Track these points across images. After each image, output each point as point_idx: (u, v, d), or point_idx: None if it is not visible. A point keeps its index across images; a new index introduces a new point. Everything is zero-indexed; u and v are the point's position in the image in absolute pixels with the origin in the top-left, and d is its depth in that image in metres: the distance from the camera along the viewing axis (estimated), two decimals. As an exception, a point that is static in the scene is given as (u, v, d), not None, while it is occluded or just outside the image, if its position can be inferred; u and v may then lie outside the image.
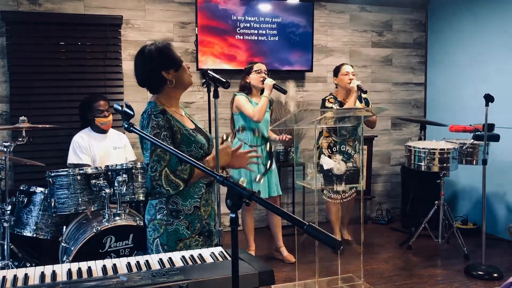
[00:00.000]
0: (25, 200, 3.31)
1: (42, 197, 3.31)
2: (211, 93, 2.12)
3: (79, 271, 1.50)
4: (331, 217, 4.34)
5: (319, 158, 3.64)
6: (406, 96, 5.67)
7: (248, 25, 4.79)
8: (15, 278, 1.44)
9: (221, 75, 2.11)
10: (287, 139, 3.86)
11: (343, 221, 4.51)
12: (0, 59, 4.11)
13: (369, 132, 4.78)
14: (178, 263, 1.58)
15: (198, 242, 1.99)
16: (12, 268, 2.63)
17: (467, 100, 5.01)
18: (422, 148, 4.02)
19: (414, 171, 4.29)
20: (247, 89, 3.85)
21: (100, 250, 2.92)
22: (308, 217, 5.04)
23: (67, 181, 3.10)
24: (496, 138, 4.06)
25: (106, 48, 4.38)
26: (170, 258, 1.62)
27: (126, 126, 1.50)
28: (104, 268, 1.52)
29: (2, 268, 3.02)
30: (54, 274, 1.47)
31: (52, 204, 3.11)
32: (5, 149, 3.14)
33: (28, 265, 3.43)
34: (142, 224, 3.00)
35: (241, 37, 4.78)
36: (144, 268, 1.54)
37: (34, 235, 3.31)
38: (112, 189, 3.12)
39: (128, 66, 4.41)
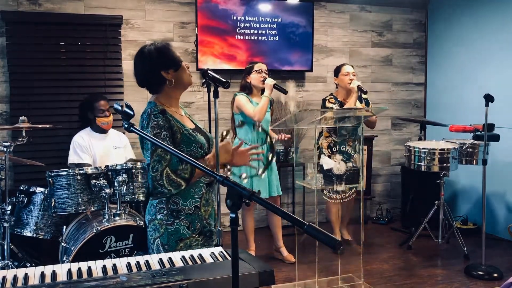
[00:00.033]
0: (25, 200, 3.31)
1: (42, 197, 3.31)
2: (211, 93, 2.11)
3: (79, 271, 1.50)
4: (331, 217, 4.34)
5: (319, 158, 3.64)
6: (406, 96, 5.67)
7: (248, 25, 4.79)
8: (15, 278, 1.44)
9: (221, 75, 2.11)
10: (286, 138, 3.86)
11: (343, 221, 4.51)
12: (0, 59, 4.11)
13: (369, 132, 4.78)
14: (178, 263, 1.58)
15: (199, 242, 1.99)
16: (12, 268, 2.64)
17: (467, 100, 5.01)
18: (422, 148, 4.02)
19: (414, 171, 4.29)
20: (247, 89, 3.85)
21: (100, 250, 2.92)
22: (308, 217, 5.04)
23: (67, 181, 3.10)
24: (496, 138, 4.06)
25: (106, 48, 4.38)
26: (170, 258, 1.62)
27: (126, 126, 1.50)
28: (104, 268, 1.52)
29: (2, 268, 3.02)
30: (54, 274, 1.47)
31: (52, 204, 3.11)
32: (5, 149, 3.14)
33: (28, 265, 3.43)
34: (142, 224, 3.01)
35: (241, 37, 4.78)
36: (144, 268, 1.54)
37: (34, 235, 3.31)
38: (112, 189, 3.12)
39: (128, 66, 4.41)
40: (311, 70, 5.10)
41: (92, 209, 3.18)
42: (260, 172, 2.48)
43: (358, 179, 3.46)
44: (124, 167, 3.19)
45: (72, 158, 3.67)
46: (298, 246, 3.48)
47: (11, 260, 3.15)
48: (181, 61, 2.00)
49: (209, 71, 2.10)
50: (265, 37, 4.86)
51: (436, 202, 4.20)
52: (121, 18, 4.43)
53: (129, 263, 1.56)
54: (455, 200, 5.29)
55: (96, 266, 1.54)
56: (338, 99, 4.19)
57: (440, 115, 5.30)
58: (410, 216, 4.89)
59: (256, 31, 4.82)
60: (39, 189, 3.32)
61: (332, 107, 4.07)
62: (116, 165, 3.20)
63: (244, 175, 2.58)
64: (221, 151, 2.00)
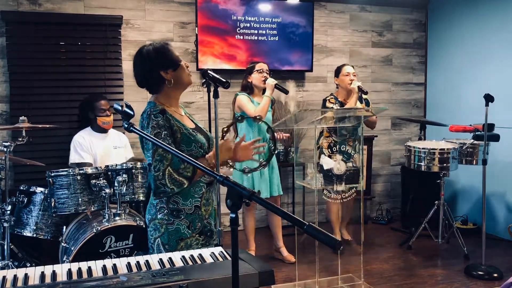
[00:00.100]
0: (25, 200, 3.31)
1: (42, 197, 3.31)
2: (211, 93, 2.12)
3: (79, 271, 1.50)
4: (331, 217, 4.34)
5: (319, 158, 3.64)
6: (406, 96, 5.67)
7: (248, 25, 4.79)
8: (15, 278, 1.44)
9: (221, 75, 2.11)
10: (285, 137, 3.87)
11: (343, 221, 4.51)
12: (0, 59, 4.11)
13: (369, 132, 4.78)
14: (178, 263, 1.58)
15: (199, 242, 1.99)
16: (12, 268, 2.63)
17: (467, 100, 5.01)
18: (422, 148, 4.02)
19: (414, 171, 4.29)
20: (249, 89, 3.85)
21: (100, 250, 2.92)
22: (308, 217, 5.04)
23: (67, 181, 3.10)
24: (496, 138, 4.06)
25: (106, 48, 4.38)
26: (170, 258, 1.62)
27: (126, 126, 1.50)
28: (104, 268, 1.52)
29: (2, 268, 3.02)
30: (54, 274, 1.47)
31: (52, 204, 3.11)
32: (5, 149, 3.14)
33: (28, 265, 3.43)
34: (142, 224, 3.01)
35: (241, 37, 4.78)
36: (144, 268, 1.54)
37: (34, 235, 3.31)
38: (112, 189, 3.12)
39: (128, 66, 4.41)
40: (311, 70, 5.10)
41: (92, 209, 3.18)
42: (264, 162, 2.49)
43: (358, 179, 3.46)
44: (124, 167, 3.19)
45: (74, 158, 3.67)
46: (298, 246, 3.48)
47: (11, 260, 3.15)
48: (180, 60, 2.00)
49: (209, 71, 2.10)
50: (265, 37, 4.86)
51: (436, 202, 4.20)
52: (121, 18, 4.43)
53: (129, 263, 1.56)
54: (455, 200, 5.29)
55: (96, 266, 1.54)
56: (339, 99, 4.19)
57: (440, 115, 5.30)
58: (410, 216, 4.89)
59: (256, 31, 4.82)
60: (39, 189, 3.32)
61: (332, 107, 4.08)
62: (116, 165, 3.20)
63: (246, 169, 2.58)
64: (221, 149, 2.00)
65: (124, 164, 3.22)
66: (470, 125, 4.21)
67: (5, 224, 3.13)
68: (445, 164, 3.98)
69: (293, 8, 4.94)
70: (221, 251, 1.70)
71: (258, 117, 2.84)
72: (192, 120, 2.10)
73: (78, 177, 3.12)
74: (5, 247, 3.12)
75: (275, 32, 4.89)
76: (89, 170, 3.17)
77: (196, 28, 4.60)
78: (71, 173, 3.12)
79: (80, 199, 3.12)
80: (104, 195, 3.10)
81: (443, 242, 4.25)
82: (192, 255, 1.65)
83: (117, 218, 3.05)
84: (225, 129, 2.12)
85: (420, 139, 4.54)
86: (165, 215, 1.95)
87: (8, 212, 3.16)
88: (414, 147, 4.09)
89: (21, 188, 3.36)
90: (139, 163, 3.27)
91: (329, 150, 4.10)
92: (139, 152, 3.84)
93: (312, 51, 5.05)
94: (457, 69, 5.22)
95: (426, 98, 5.72)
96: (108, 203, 3.08)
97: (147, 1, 4.56)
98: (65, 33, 4.26)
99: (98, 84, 4.34)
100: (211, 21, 4.65)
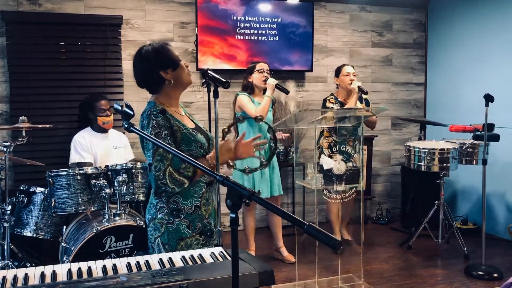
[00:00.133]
0: (25, 200, 3.31)
1: (42, 197, 3.31)
2: (211, 93, 2.12)
3: (79, 271, 1.50)
4: (331, 217, 4.34)
5: (319, 158, 3.64)
6: (406, 96, 5.67)
7: (248, 25, 4.79)
8: (15, 278, 1.44)
9: (221, 75, 2.11)
10: (285, 137, 3.87)
11: (343, 221, 4.51)
12: (0, 59, 4.11)
13: (369, 132, 4.78)
14: (178, 263, 1.58)
15: (199, 241, 1.99)
16: (12, 268, 2.64)
17: (467, 100, 5.01)
18: (422, 148, 4.02)
19: (414, 171, 4.29)
20: (249, 89, 3.85)
21: (100, 250, 2.92)
22: (308, 217, 5.04)
23: (67, 181, 3.10)
24: (496, 138, 4.06)
25: (106, 48, 4.38)
26: (170, 258, 1.62)
27: (126, 126, 1.50)
28: (104, 268, 1.52)
29: (2, 268, 3.02)
30: (54, 274, 1.47)
31: (52, 204, 3.10)
32: (5, 149, 3.14)
33: (28, 265, 3.43)
34: (142, 224, 3.01)
35: (241, 37, 4.78)
36: (144, 268, 1.54)
37: (34, 235, 3.31)
38: (112, 189, 3.12)
39: (128, 66, 4.41)
40: (311, 70, 5.10)
41: (92, 209, 3.18)
42: (265, 162, 2.49)
43: (358, 179, 3.46)
44: (124, 167, 3.18)
45: (74, 157, 3.67)
46: (298, 246, 3.48)
47: (11, 260, 3.15)
48: (180, 60, 2.00)
49: (209, 71, 2.10)
50: (265, 37, 4.86)
51: (436, 202, 4.20)
52: (121, 18, 4.43)
53: (129, 263, 1.56)
54: (455, 200, 5.29)
55: (96, 266, 1.54)
56: (339, 99, 4.19)
57: (440, 115, 5.30)
58: (410, 216, 4.89)
59: (256, 31, 4.82)
60: (39, 189, 3.32)
61: (332, 107, 4.08)
62: (116, 165, 3.20)
63: (247, 169, 2.58)
64: (222, 149, 2.00)
65: (124, 164, 3.22)
66: (470, 125, 4.21)
67: (5, 224, 3.13)
68: (445, 164, 3.98)
69: (293, 8, 4.94)
70: (221, 251, 1.70)
71: (259, 117, 2.84)
72: (192, 120, 2.10)
73: (78, 177, 3.12)
74: (5, 247, 3.12)
75: (275, 32, 4.89)
76: (89, 170, 3.16)
77: (196, 28, 4.60)
78: (71, 173, 3.12)
79: (80, 199, 3.12)
80: (104, 195, 3.10)
81: (443, 242, 4.25)
82: (192, 255, 1.65)
83: (117, 218, 3.05)
84: (226, 129, 2.12)
85: (420, 139, 4.54)
86: (165, 214, 1.95)
87: (8, 212, 3.16)
88: (414, 147, 4.09)
89: (21, 188, 3.36)
90: (139, 163, 3.27)
91: (329, 150, 4.11)
92: (139, 152, 3.84)
93: (312, 51, 5.05)
94: (457, 69, 5.22)
95: (426, 98, 5.72)
96: (108, 203, 3.08)
97: (147, 1, 4.56)
98: (65, 33, 4.26)
99: (98, 84, 4.34)
100: (211, 21, 4.65)
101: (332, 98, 4.20)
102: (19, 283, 1.41)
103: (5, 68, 4.11)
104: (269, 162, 2.67)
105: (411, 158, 4.11)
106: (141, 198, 3.24)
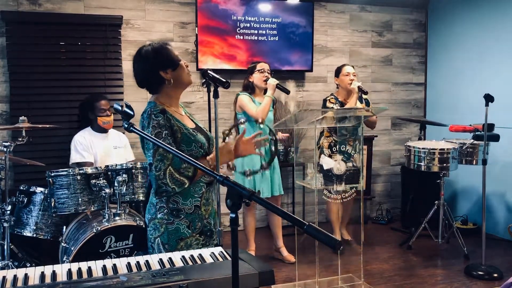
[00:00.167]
0: (25, 200, 3.31)
1: (42, 197, 3.31)
2: (211, 93, 2.12)
3: (79, 271, 1.50)
4: (331, 217, 4.34)
5: (319, 157, 3.64)
6: (406, 96, 5.67)
7: (248, 25, 4.79)
8: (15, 278, 1.44)
9: (221, 75, 2.11)
10: (284, 137, 3.87)
11: (343, 221, 4.51)
12: (0, 59, 4.11)
13: (369, 132, 4.78)
14: (178, 263, 1.58)
15: (199, 241, 1.99)
16: (12, 268, 2.64)
17: (467, 100, 5.01)
18: (422, 148, 4.02)
19: (414, 171, 4.29)
20: (250, 89, 3.85)
21: (100, 250, 2.92)
22: (308, 217, 5.04)
23: (67, 181, 3.10)
24: (496, 138, 4.05)
25: (106, 48, 4.38)
26: (170, 258, 1.62)
27: (126, 126, 1.50)
28: (104, 268, 1.52)
29: (2, 268, 3.02)
30: (54, 274, 1.47)
31: (52, 204, 3.11)
32: (5, 149, 3.14)
33: (28, 265, 3.43)
34: (142, 224, 3.01)
35: (241, 37, 4.77)
36: (144, 268, 1.54)
37: (34, 235, 3.31)
38: (112, 189, 3.12)
39: (128, 66, 4.41)
40: (311, 70, 5.10)
41: (92, 209, 3.18)
42: (265, 166, 2.49)
43: (358, 179, 3.46)
44: (124, 167, 3.19)
45: (75, 157, 3.67)
46: (298, 246, 3.48)
47: (11, 260, 3.15)
48: (179, 60, 2.00)
49: (209, 71, 2.10)
50: (265, 37, 4.86)
51: (436, 202, 4.20)
52: (121, 18, 4.43)
53: (129, 263, 1.56)
54: (455, 200, 5.29)
55: (96, 266, 1.54)
56: (339, 99, 4.19)
57: (440, 115, 5.30)
58: (410, 216, 4.89)
59: (256, 31, 4.82)
60: (39, 189, 3.32)
61: (332, 107, 4.08)
62: (116, 165, 3.20)
63: (248, 171, 2.58)
64: (222, 151, 2.00)
65: (124, 164, 3.22)
66: (470, 125, 4.21)
67: (5, 224, 3.13)
68: (445, 164, 3.98)
69: (293, 8, 4.94)
70: (221, 251, 1.70)
71: (259, 122, 2.85)
72: (192, 120, 2.10)
73: (78, 177, 3.12)
74: (5, 247, 3.12)
75: (275, 32, 4.89)
76: (89, 170, 3.17)
77: (196, 28, 4.60)
78: (71, 173, 3.12)
79: (80, 199, 3.12)
80: (104, 195, 3.10)
81: (443, 242, 4.25)
82: (192, 255, 1.65)
83: (117, 218, 3.05)
84: (227, 131, 2.12)
85: (420, 139, 4.54)
86: (165, 214, 1.95)
87: (8, 212, 3.16)
88: (414, 147, 4.09)
89: (21, 188, 3.36)
90: (139, 163, 3.27)
91: (329, 150, 4.11)
92: (139, 152, 3.84)
93: (312, 51, 5.05)
94: (457, 69, 5.22)
95: (426, 98, 5.72)
96: (108, 203, 3.08)
97: (147, 1, 4.56)
98: (65, 33, 4.26)
99: (98, 84, 4.34)
100: (211, 21, 4.65)
101: (332, 98, 4.20)
102: (19, 283, 1.41)
103: (5, 68, 4.11)
104: (270, 164, 2.67)
105: (411, 158, 4.11)
106: (141, 198, 3.24)
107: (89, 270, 1.50)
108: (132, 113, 1.52)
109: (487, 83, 4.74)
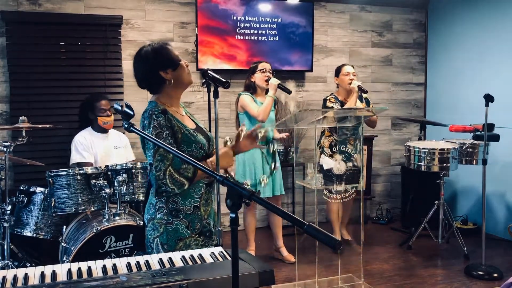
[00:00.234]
0: (25, 200, 3.31)
1: (42, 197, 3.31)
2: (211, 93, 2.12)
3: (79, 271, 1.50)
4: (331, 217, 4.34)
5: (320, 157, 3.64)
6: (406, 96, 5.67)
7: (248, 25, 4.79)
8: (15, 278, 1.44)
9: (221, 75, 2.11)
10: (284, 137, 3.88)
11: (343, 221, 4.51)
12: (0, 59, 4.11)
13: (369, 132, 4.78)
14: (178, 263, 1.58)
15: (198, 242, 1.99)
16: (12, 268, 2.63)
17: (467, 100, 5.01)
18: (422, 148, 4.02)
19: (414, 171, 4.29)
20: (251, 89, 3.85)
21: (100, 250, 2.92)
22: (308, 217, 5.04)
23: (67, 181, 3.10)
24: (496, 138, 4.05)
25: (106, 48, 4.38)
26: (170, 258, 1.62)
27: (126, 126, 1.50)
28: (104, 268, 1.52)
29: (2, 268, 3.02)
30: (54, 274, 1.47)
31: (52, 204, 3.11)
32: (5, 149, 3.14)
33: (28, 265, 3.43)
34: (142, 224, 3.00)
35: (241, 37, 4.77)
36: (144, 268, 1.54)
37: (34, 235, 3.31)
38: (112, 189, 3.12)
39: (128, 66, 4.41)
40: (311, 70, 5.10)
41: (92, 209, 3.18)
42: (264, 180, 2.49)
43: (358, 179, 3.46)
44: (124, 167, 3.19)
45: (75, 158, 3.67)
46: (298, 246, 3.48)
47: (11, 260, 3.15)
48: (180, 60, 2.00)
49: (209, 71, 2.10)
50: (265, 37, 4.86)
51: (436, 202, 4.20)
52: (121, 18, 4.43)
53: (129, 263, 1.56)
54: (455, 200, 5.29)
55: (96, 266, 1.54)
56: (339, 99, 4.19)
57: (440, 115, 5.30)
58: (410, 216, 4.88)
59: (256, 31, 4.82)
60: (39, 189, 3.33)
61: (332, 107, 4.08)
62: (116, 165, 3.20)
63: (248, 182, 2.59)
64: (223, 157, 2.01)
65: (124, 164, 3.22)
66: (470, 125, 4.21)
67: (5, 224, 3.13)
68: (445, 164, 3.98)
69: (293, 8, 4.94)
70: (221, 251, 1.70)
71: (264, 131, 2.87)
72: (193, 120, 2.10)
73: (78, 177, 3.12)
74: (5, 247, 3.12)
75: (275, 32, 4.89)
76: (89, 170, 3.17)
77: (196, 28, 4.60)
78: (71, 173, 3.12)
79: (80, 199, 3.12)
80: (104, 195, 3.10)
81: (443, 242, 4.25)
82: (192, 255, 1.65)
83: (117, 218, 3.05)
84: (227, 140, 2.12)
85: (420, 139, 4.54)
86: (164, 215, 1.94)
87: (8, 212, 3.16)
88: (414, 147, 4.09)
89: (21, 188, 3.36)
90: (139, 163, 3.27)
91: (330, 149, 4.11)
92: (140, 152, 3.84)
93: (312, 51, 5.05)
94: (457, 69, 5.22)
95: (426, 98, 5.72)
96: (108, 203, 3.08)
97: (147, 1, 4.56)
98: (65, 33, 4.26)
99: (98, 84, 4.34)
100: (211, 21, 4.65)
101: (332, 97, 4.20)
102: (19, 283, 1.41)
103: (5, 68, 4.11)
104: (266, 181, 2.67)
105: (411, 158, 4.11)
106: (141, 198, 3.24)
107: (89, 270, 1.50)
108: (132, 113, 1.52)
109: (487, 83, 4.74)
